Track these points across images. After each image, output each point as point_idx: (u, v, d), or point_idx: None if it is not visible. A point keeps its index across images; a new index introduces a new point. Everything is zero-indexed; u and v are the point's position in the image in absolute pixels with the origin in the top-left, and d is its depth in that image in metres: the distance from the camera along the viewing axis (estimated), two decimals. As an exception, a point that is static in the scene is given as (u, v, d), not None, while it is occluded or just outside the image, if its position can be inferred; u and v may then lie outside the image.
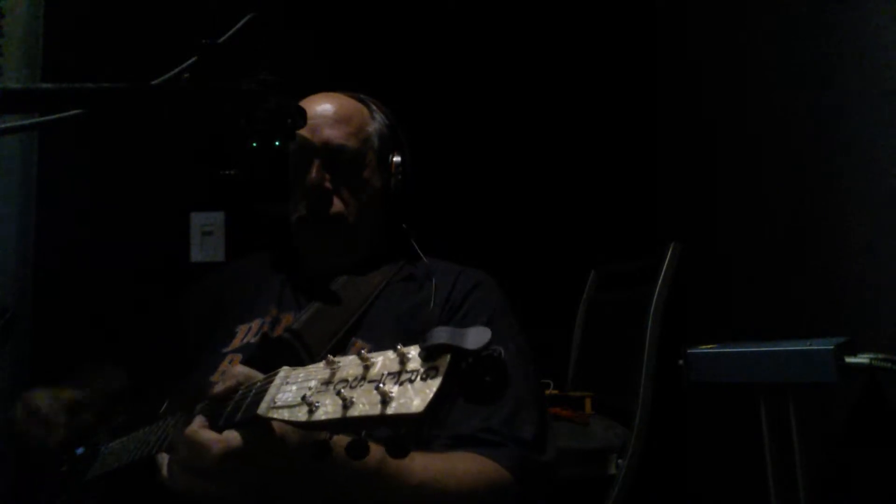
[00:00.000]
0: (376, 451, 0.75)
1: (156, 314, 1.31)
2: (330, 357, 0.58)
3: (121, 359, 1.24)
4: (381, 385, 0.51)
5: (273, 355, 0.95)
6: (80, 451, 1.05)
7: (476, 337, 0.50)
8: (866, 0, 1.47)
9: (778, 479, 1.36)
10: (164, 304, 1.32)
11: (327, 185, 1.07)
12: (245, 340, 1.07)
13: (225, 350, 1.06)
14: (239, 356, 1.03)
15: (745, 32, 1.94)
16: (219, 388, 0.71)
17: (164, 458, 0.73)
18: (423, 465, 0.79)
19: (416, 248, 1.13)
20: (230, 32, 0.71)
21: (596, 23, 2.38)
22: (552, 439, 0.97)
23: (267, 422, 0.61)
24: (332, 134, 1.08)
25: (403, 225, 1.16)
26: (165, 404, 0.98)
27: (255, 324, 1.09)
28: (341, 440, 0.54)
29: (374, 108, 1.17)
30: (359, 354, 0.55)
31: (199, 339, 1.12)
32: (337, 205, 1.08)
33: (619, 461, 1.53)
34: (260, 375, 0.68)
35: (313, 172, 1.05)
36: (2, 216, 1.92)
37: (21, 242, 1.96)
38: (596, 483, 1.54)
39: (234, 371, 0.72)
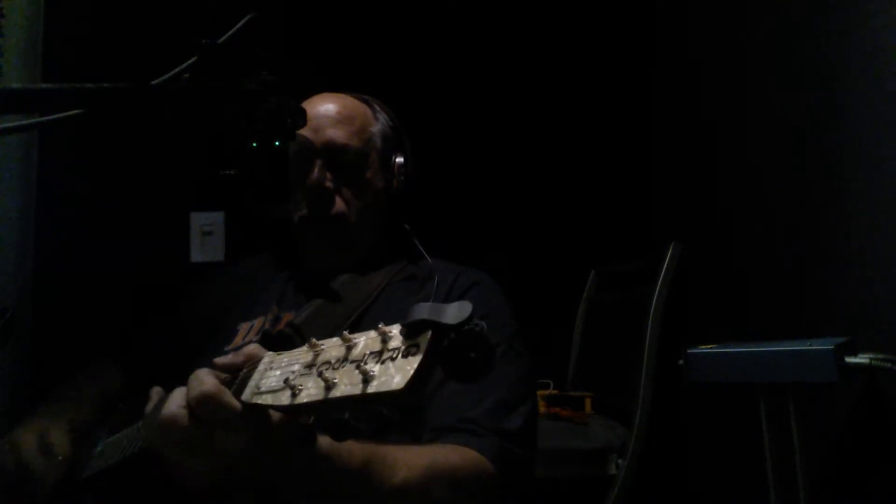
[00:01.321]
0: (362, 448, 0.75)
1: (156, 314, 1.31)
2: (313, 340, 0.58)
3: (120, 358, 1.24)
4: (362, 364, 0.50)
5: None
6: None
7: (456, 311, 0.50)
8: (866, 1, 1.47)
9: (778, 479, 1.36)
10: (164, 304, 1.32)
11: (329, 184, 1.07)
12: (247, 339, 1.07)
13: (227, 348, 1.06)
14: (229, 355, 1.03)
15: (745, 32, 1.94)
16: (225, 359, 0.70)
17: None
18: (406, 463, 0.79)
19: (420, 248, 1.14)
20: (230, 32, 0.71)
21: (596, 25, 2.38)
22: (534, 437, 0.97)
23: (250, 408, 0.60)
24: (335, 134, 1.08)
25: (406, 225, 1.16)
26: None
27: (258, 322, 1.09)
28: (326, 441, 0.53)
29: (377, 108, 1.17)
30: (341, 336, 0.55)
31: (200, 338, 1.12)
32: (339, 204, 1.08)
33: (619, 461, 1.53)
34: (266, 353, 0.67)
35: (315, 172, 1.05)
36: (2, 216, 1.91)
37: (21, 242, 1.95)
38: (596, 483, 1.54)
39: (246, 349, 0.70)
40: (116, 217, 2.09)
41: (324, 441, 0.67)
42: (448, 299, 1.05)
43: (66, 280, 2.03)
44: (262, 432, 0.62)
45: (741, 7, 1.97)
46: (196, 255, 2.15)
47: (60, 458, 1.01)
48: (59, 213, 2.05)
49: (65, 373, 1.20)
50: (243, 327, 1.10)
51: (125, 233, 2.09)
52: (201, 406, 0.62)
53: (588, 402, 1.73)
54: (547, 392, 1.87)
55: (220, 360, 0.70)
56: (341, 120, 1.09)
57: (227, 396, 0.62)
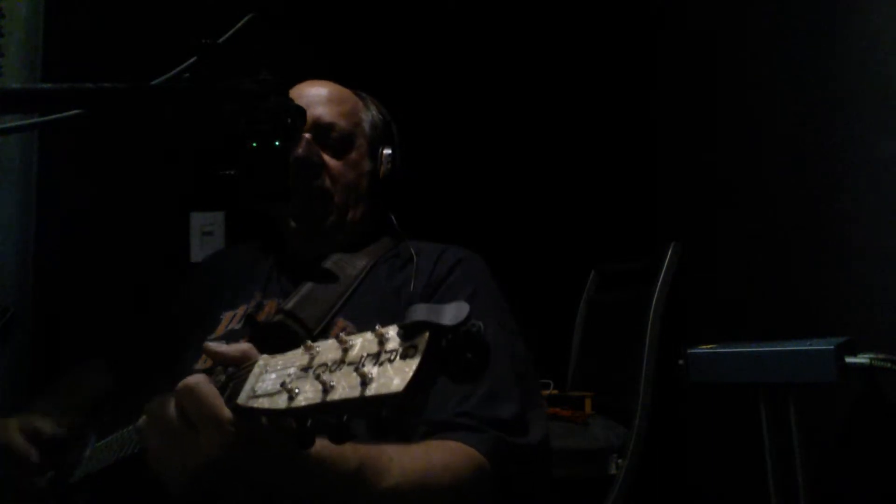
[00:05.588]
0: (356, 451, 0.74)
1: (144, 312, 1.31)
2: (308, 343, 0.57)
3: (109, 359, 1.24)
4: (360, 367, 0.50)
5: (271, 338, 0.94)
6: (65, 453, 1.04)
7: (454, 312, 0.49)
8: (867, 1, 1.47)
9: (778, 479, 1.36)
10: (153, 302, 1.32)
11: (315, 159, 1.07)
12: (229, 327, 1.06)
13: (209, 338, 1.05)
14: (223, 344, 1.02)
15: (746, 32, 1.94)
16: (216, 346, 0.69)
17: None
18: (401, 465, 0.78)
19: (397, 227, 1.14)
20: (230, 32, 0.72)
21: (596, 22, 2.38)
22: (538, 419, 0.94)
23: (247, 412, 0.59)
24: (324, 111, 1.09)
25: (391, 215, 1.16)
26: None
27: (241, 310, 1.08)
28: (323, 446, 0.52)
29: (368, 101, 1.18)
30: (337, 338, 0.54)
31: (187, 330, 1.12)
32: (324, 179, 1.08)
33: (619, 461, 1.53)
34: (260, 355, 0.66)
35: (303, 146, 1.06)
36: (2, 216, 1.91)
37: (21, 242, 1.96)
38: (596, 483, 1.54)
39: (241, 346, 0.68)
40: (116, 217, 2.09)
41: (318, 445, 0.67)
42: (432, 277, 1.04)
43: (66, 280, 2.03)
44: (258, 437, 0.62)
45: (741, 7, 1.97)
46: (196, 255, 2.15)
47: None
48: (59, 213, 2.05)
49: (65, 373, 1.19)
50: (227, 316, 1.09)
51: (125, 233, 2.09)
52: (184, 397, 0.62)
53: (588, 402, 1.73)
54: (547, 392, 1.87)
55: (210, 344, 0.69)
56: (331, 100, 1.11)
57: (212, 392, 0.62)
